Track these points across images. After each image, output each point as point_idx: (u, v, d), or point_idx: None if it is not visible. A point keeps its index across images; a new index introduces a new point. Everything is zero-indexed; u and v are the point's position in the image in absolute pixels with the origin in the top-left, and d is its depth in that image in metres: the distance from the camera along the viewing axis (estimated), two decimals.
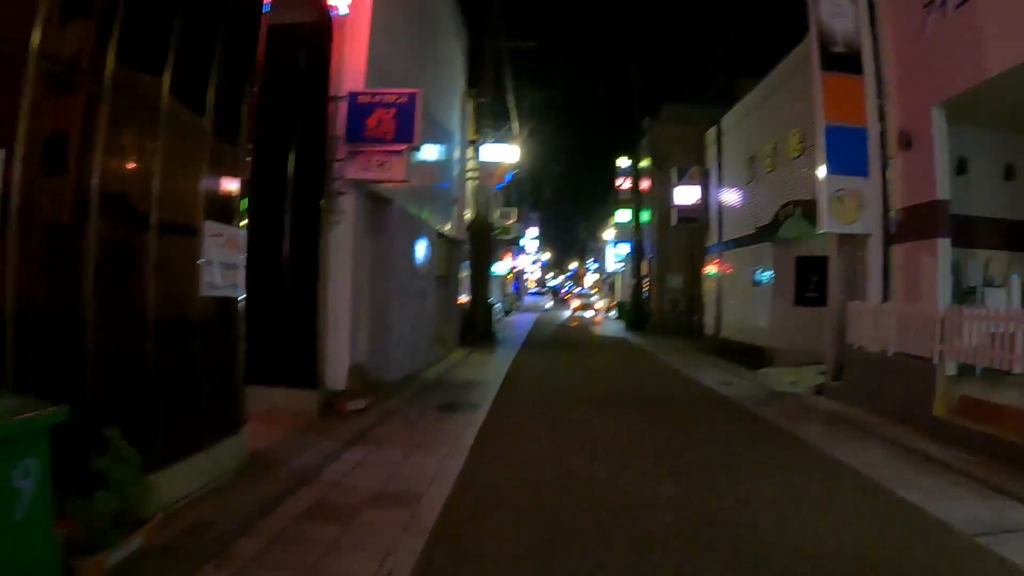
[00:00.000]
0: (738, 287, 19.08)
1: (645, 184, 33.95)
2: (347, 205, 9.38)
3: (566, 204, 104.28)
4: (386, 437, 7.93)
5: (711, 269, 21.78)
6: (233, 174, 6.18)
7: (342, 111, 9.22)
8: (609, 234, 51.11)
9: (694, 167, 22.55)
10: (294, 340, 9.06)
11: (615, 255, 47.24)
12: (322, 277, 9.14)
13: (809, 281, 16.11)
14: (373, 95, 9.12)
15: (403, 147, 8.97)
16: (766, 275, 16.81)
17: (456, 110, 18.35)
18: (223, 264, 5.84)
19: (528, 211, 51.89)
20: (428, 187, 14.35)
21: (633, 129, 34.60)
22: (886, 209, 12.12)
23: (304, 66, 9.38)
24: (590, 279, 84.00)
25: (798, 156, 15.06)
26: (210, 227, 5.68)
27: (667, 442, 8.16)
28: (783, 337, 16.09)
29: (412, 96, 9.02)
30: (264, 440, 7.29)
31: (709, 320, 21.87)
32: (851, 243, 12.71)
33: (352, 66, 9.58)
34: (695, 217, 22.43)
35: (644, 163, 34.17)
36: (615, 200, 44.51)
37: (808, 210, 14.01)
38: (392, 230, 11.30)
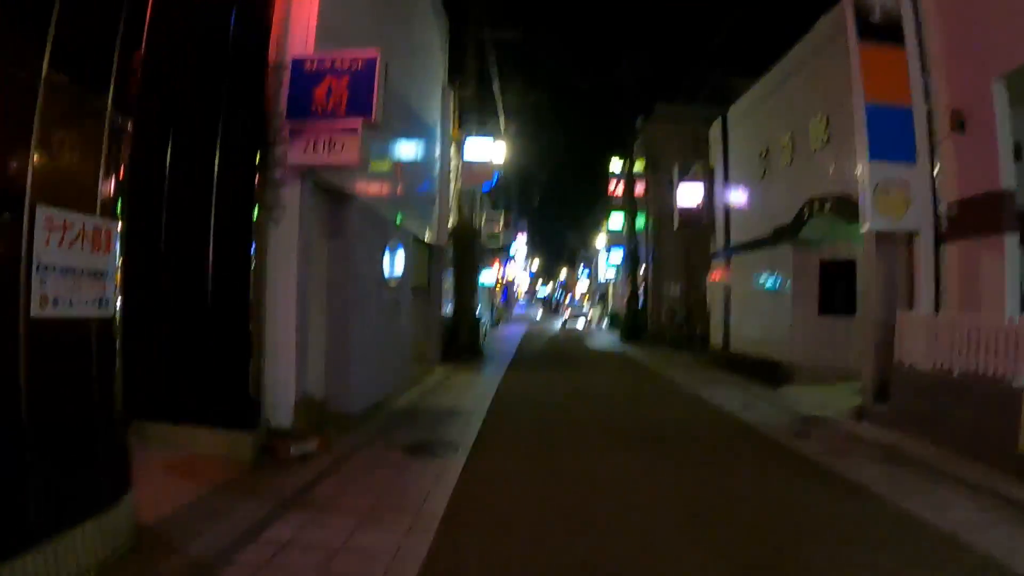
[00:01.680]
0: (750, 295, 17.23)
1: (639, 187, 32.26)
2: (290, 199, 7.51)
3: (555, 210, 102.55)
4: (332, 497, 6.02)
5: (717, 276, 19.94)
6: (94, 138, 4.27)
7: (284, 83, 7.35)
8: (601, 241, 49.42)
9: (697, 164, 20.75)
10: (222, 368, 7.17)
11: (607, 262, 45.48)
12: (258, 288, 7.25)
13: (835, 288, 14.30)
14: (321, 60, 7.24)
15: (358, 122, 7.07)
16: (783, 281, 14.98)
17: (435, 104, 16.49)
18: (69, 271, 3.94)
19: (516, 218, 50.14)
20: (403, 186, 12.51)
21: (625, 129, 32.93)
22: (935, 202, 10.40)
23: (237, 29, 7.50)
24: (581, 287, 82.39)
25: (823, 146, 13.29)
26: (45, 216, 3.78)
27: (698, 501, 6.27)
28: (805, 351, 14.28)
29: (371, 61, 7.15)
30: (168, 505, 5.43)
31: (715, 331, 20.01)
32: (890, 243, 10.95)
33: (299, 30, 7.72)
34: (699, 219, 20.61)
35: (638, 166, 32.48)
36: (607, 205, 42.81)
37: (839, 206, 12.23)
38: (353, 232, 9.41)
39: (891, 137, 10.60)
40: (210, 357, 7.16)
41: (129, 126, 4.59)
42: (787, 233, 14.41)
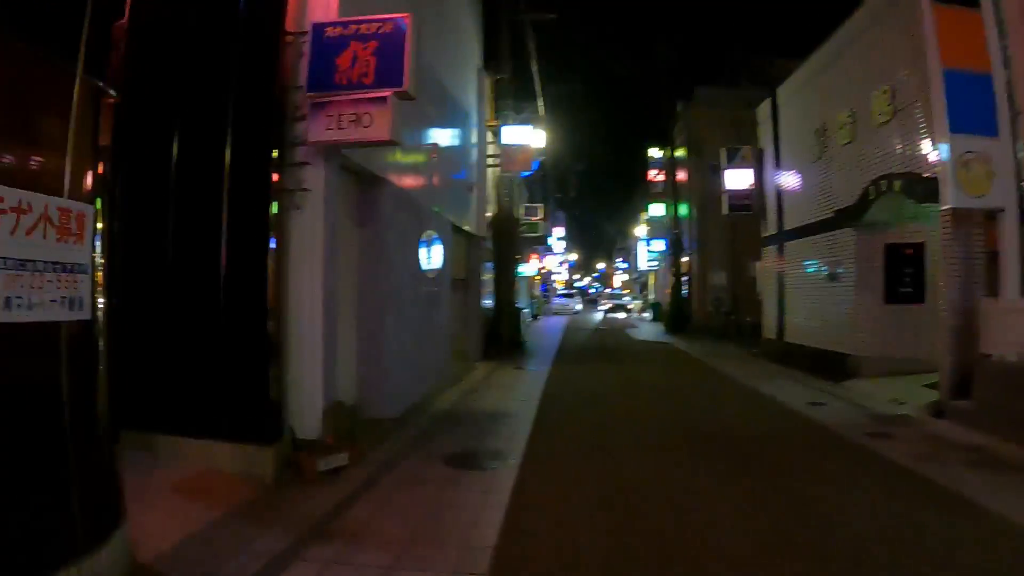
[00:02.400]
0: (807, 283, 16.23)
1: (681, 175, 31.28)
2: (314, 182, 6.76)
3: (592, 202, 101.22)
4: (364, 523, 5.22)
5: (769, 263, 18.96)
6: (58, 108, 3.58)
7: (304, 51, 6.64)
8: (641, 231, 48.49)
9: (745, 147, 19.74)
10: (239, 373, 6.41)
11: (648, 253, 44.46)
12: (278, 282, 6.52)
13: (902, 273, 13.30)
14: (346, 25, 6.45)
15: (388, 93, 6.30)
16: (845, 267, 14.01)
17: (471, 88, 15.76)
18: (26, 264, 3.24)
19: (554, 209, 49.34)
20: (439, 172, 11.80)
21: (665, 115, 31.92)
22: (1020, 177, 9.47)
23: None
24: (619, 279, 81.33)
25: (887, 121, 12.28)
26: None
27: (790, 522, 5.33)
28: (870, 341, 13.30)
29: (401, 23, 6.35)
30: (173, 535, 4.71)
31: (768, 322, 19.01)
32: (967, 223, 10.02)
33: None
34: (748, 204, 19.60)
35: (679, 152, 31.49)
36: (647, 194, 41.89)
37: (908, 185, 11.27)
38: (386, 219, 8.68)
39: (971, 107, 9.69)
40: (225, 361, 6.41)
41: (112, 96, 3.90)
42: (850, 215, 13.43)
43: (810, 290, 15.99)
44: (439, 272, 11.31)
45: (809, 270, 16.06)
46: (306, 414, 6.82)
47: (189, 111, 6.69)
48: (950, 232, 10.06)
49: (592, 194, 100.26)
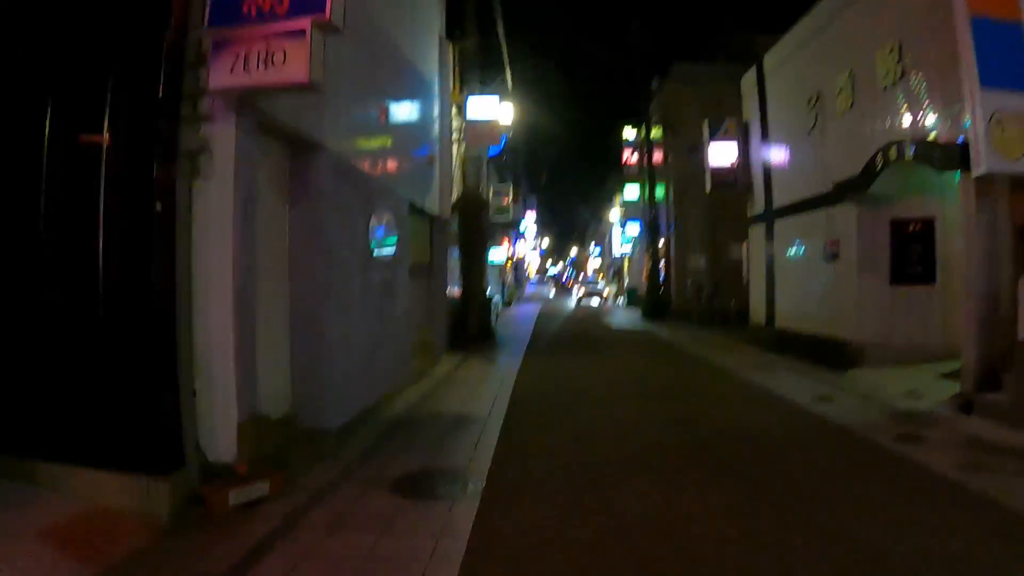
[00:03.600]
0: (800, 264, 14.96)
1: (657, 155, 30.03)
2: (222, 144, 5.32)
3: (564, 187, 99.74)
4: None
5: (757, 244, 17.68)
6: None
7: None
8: (615, 214, 47.24)
9: (729, 119, 18.43)
10: (126, 383, 4.98)
11: (622, 236, 43.27)
12: (172, 272, 5.07)
13: (909, 252, 12.07)
14: None
15: (306, 22, 4.85)
16: (846, 246, 12.75)
17: (432, 57, 14.23)
18: None
19: (525, 194, 47.98)
20: (394, 144, 10.36)
21: (639, 93, 30.57)
22: None
23: None
24: (593, 265, 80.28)
25: (894, 82, 11.02)
26: None
27: (839, 570, 4.11)
28: (875, 327, 12.07)
29: None
30: None
31: (756, 306, 17.75)
32: (991, 193, 8.85)
33: None
34: (733, 181, 18.30)
35: (655, 131, 30.21)
36: (621, 176, 40.64)
37: (924, 151, 10.03)
38: (325, 194, 7.22)
39: (1004, 60, 8.51)
40: (109, 368, 5.02)
41: None
42: (853, 188, 12.15)
43: (804, 272, 14.73)
44: (395, 257, 9.88)
45: (803, 250, 14.80)
46: (218, 432, 5.40)
47: (61, 56, 5.18)
48: (973, 205, 8.85)
49: (564, 178, 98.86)
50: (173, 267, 5.02)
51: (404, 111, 11.21)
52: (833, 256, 13.29)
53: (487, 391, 10.60)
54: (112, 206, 4.97)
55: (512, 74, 22.41)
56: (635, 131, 36.58)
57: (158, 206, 4.85)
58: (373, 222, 8.90)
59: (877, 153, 11.19)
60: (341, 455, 6.61)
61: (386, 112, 9.83)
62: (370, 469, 6.19)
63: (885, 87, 11.34)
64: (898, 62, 10.93)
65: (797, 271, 15.20)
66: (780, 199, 16.12)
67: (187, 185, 5.18)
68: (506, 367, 13.43)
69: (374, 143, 9.33)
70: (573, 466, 6.40)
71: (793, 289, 15.47)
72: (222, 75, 5.01)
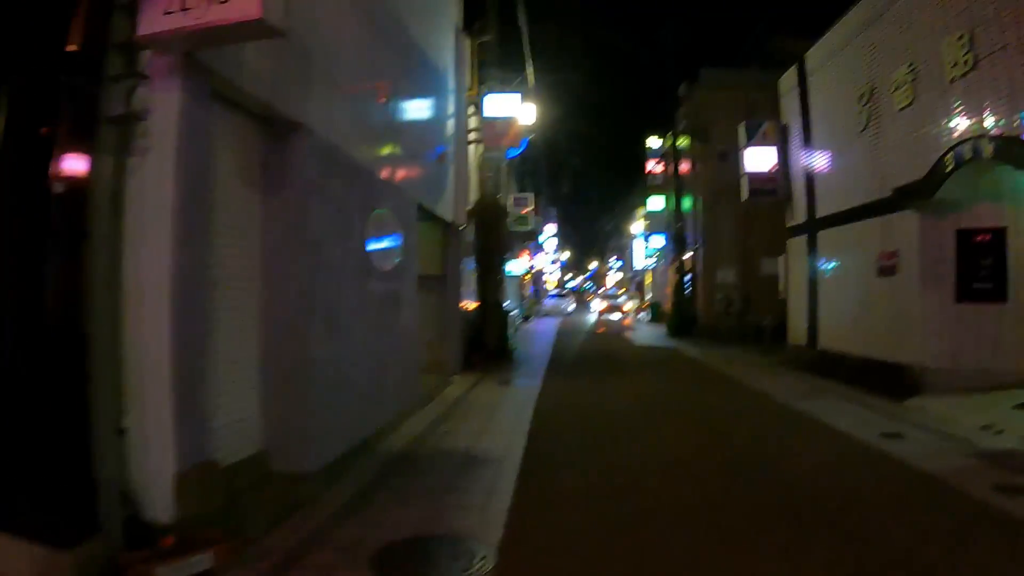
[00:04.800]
0: (849, 278, 13.58)
1: (685, 164, 28.77)
2: (163, 112, 4.16)
3: (584, 199, 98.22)
4: None
5: (797, 257, 16.31)
6: None
7: None
8: (637, 227, 45.89)
9: (768, 122, 17.12)
10: (28, 425, 3.77)
11: (645, 250, 41.92)
12: (90, 273, 3.85)
13: (978, 265, 10.69)
14: None
15: None
16: (905, 259, 11.41)
17: (447, 48, 13.08)
18: None
19: (545, 205, 46.79)
20: (401, 138, 9.21)
21: (667, 98, 29.33)
22: None
23: None
24: (613, 278, 78.81)
25: (965, 73, 9.76)
26: None
27: None
28: (938, 350, 10.70)
29: None
30: None
31: (796, 324, 16.36)
32: None
33: None
34: (772, 188, 16.97)
35: (683, 139, 28.94)
36: (644, 187, 39.28)
37: (1005, 149, 8.74)
38: (309, 185, 6.01)
39: None
40: (8, 406, 3.82)
41: None
42: (916, 193, 10.80)
43: (854, 288, 13.35)
44: (400, 266, 8.68)
45: (852, 263, 13.42)
46: (152, 484, 4.19)
47: None
48: None
49: (585, 190, 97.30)
50: (83, 269, 3.79)
51: (413, 102, 10.03)
52: (889, 270, 11.94)
53: (503, 419, 9.30)
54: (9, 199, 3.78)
55: (533, 77, 21.21)
56: (660, 140, 35.32)
57: (58, 188, 3.64)
58: (374, 224, 7.70)
59: (947, 153, 9.88)
60: (319, 506, 5.34)
61: (392, 100, 8.63)
62: (351, 527, 4.89)
63: (953, 79, 10.05)
64: (968, 51, 9.65)
65: (845, 287, 13.82)
66: (825, 208, 14.77)
67: (112, 163, 3.98)
68: (525, 390, 12.12)
69: (376, 133, 8.14)
70: (612, 528, 5.06)
71: (840, 307, 14.09)
72: (155, 18, 3.80)
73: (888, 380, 11.40)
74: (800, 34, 19.00)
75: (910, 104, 11.31)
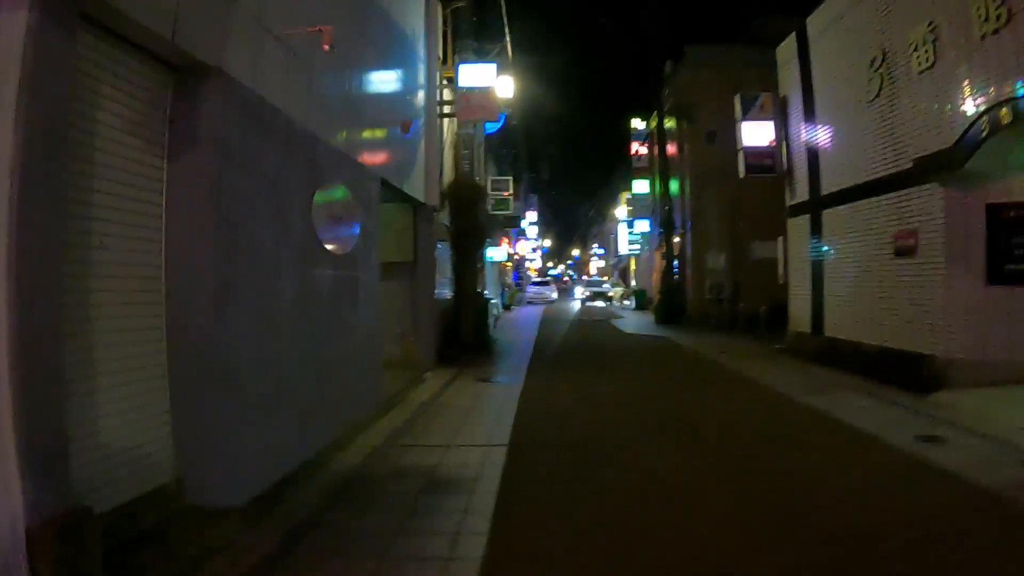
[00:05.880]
0: (860, 259, 12.34)
1: (671, 146, 27.67)
2: (3, 41, 2.95)
3: (565, 186, 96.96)
4: None
5: (800, 238, 15.10)
6: None
7: None
8: (621, 212, 44.77)
9: (765, 95, 15.90)
10: None
11: (629, 235, 40.84)
12: None
13: (1011, 244, 9.55)
14: None
15: None
16: (926, 237, 10.24)
17: (416, 13, 11.76)
18: None
19: (525, 192, 45.60)
20: (360, 103, 7.97)
21: (652, 78, 28.09)
22: None
23: None
24: (595, 265, 77.78)
25: (996, 28, 8.59)
26: None
27: None
28: (966, 338, 9.57)
29: None
30: None
31: (798, 310, 15.15)
32: None
33: None
34: (771, 164, 15.76)
35: (669, 120, 27.80)
36: (628, 172, 38.16)
37: None
38: (227, 146, 4.72)
39: None
40: None
41: None
42: (941, 165, 9.63)
43: (866, 269, 12.16)
44: (357, 250, 7.41)
45: (863, 243, 12.23)
46: None
47: None
48: None
49: (565, 177, 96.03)
50: None
51: (373, 63, 8.74)
52: (907, 250, 10.77)
53: (479, 427, 8.04)
54: None
55: (511, 50, 19.89)
56: (644, 122, 34.13)
57: None
58: (323, 201, 6.42)
59: (980, 117, 8.71)
60: (234, 555, 4.08)
61: (347, 56, 7.34)
62: None
63: (984, 35, 8.87)
64: (1000, 3, 8.48)
65: (855, 269, 12.62)
66: (830, 184, 13.57)
67: None
68: (505, 388, 10.87)
69: (324, 94, 6.84)
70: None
71: (849, 291, 12.89)
72: None
73: (906, 371, 10.28)
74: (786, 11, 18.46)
75: (931, 67, 10.11)
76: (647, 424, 8.41)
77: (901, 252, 10.91)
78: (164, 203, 4.46)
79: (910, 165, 10.39)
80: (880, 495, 5.52)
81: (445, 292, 14.64)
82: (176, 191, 4.51)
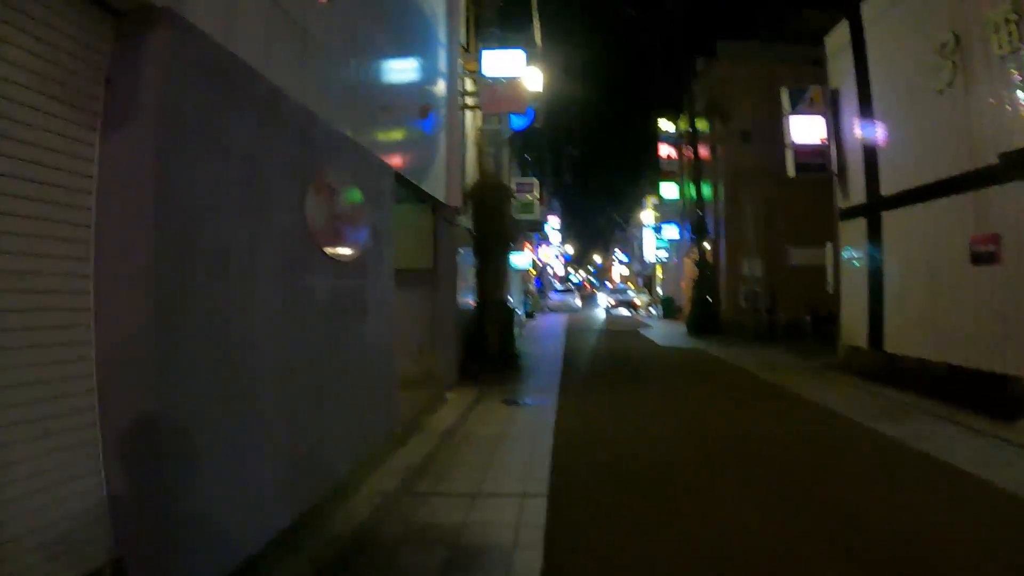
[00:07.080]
0: (928, 267, 11.06)
1: (703, 147, 26.52)
2: None
3: (588, 190, 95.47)
4: None
5: (854, 243, 13.81)
6: None
7: None
8: (648, 217, 43.52)
9: (814, 88, 14.68)
10: None
11: (656, 241, 39.58)
12: None
13: None
14: None
15: None
16: (1014, 242, 9.00)
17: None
18: None
19: (548, 196, 44.45)
20: (369, 80, 6.91)
21: (683, 75, 26.97)
22: None
23: None
24: (619, 272, 76.50)
25: None
26: None
27: None
28: None
29: None
30: None
31: (852, 323, 13.82)
32: None
33: None
34: (822, 162, 14.51)
35: (700, 120, 26.66)
36: (655, 176, 36.86)
37: None
38: (175, 111, 3.61)
39: None
40: None
41: None
42: None
43: (935, 279, 10.91)
44: (366, 255, 6.33)
45: (935, 248, 10.95)
46: None
47: None
48: None
49: (588, 180, 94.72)
50: None
51: (390, 36, 7.70)
52: (986, 257, 9.55)
53: (511, 467, 6.83)
54: None
55: (539, 38, 18.74)
56: (672, 124, 32.89)
57: None
58: (321, 192, 5.35)
59: None
60: None
61: (355, 22, 6.28)
62: None
63: None
64: None
65: (921, 278, 11.34)
66: (891, 184, 12.31)
67: None
68: (536, 412, 9.65)
69: (325, 60, 5.77)
70: None
71: (914, 302, 11.61)
72: None
73: (985, 394, 9.10)
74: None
75: (1016, 50, 8.90)
76: (712, 461, 7.16)
77: (979, 259, 9.68)
78: (95, 190, 3.37)
79: (991, 161, 9.15)
80: (994, 549, 4.34)
81: (467, 301, 13.54)
82: (111, 172, 3.40)
